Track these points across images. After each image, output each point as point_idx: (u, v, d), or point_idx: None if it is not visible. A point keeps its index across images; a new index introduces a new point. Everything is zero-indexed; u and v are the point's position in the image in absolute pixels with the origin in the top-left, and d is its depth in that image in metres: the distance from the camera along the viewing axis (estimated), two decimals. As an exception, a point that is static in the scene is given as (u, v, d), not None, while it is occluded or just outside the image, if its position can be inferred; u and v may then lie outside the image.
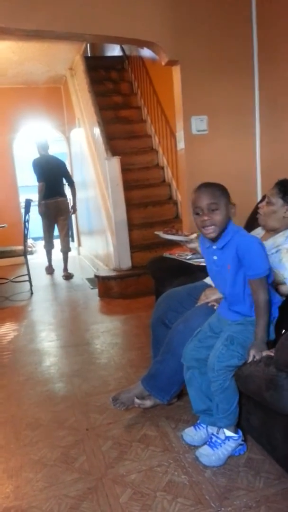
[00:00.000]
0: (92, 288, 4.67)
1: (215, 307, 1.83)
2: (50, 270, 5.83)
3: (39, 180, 5.35)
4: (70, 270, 5.51)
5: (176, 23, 3.27)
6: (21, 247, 4.88)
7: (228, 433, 1.63)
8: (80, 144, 6.10)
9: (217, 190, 1.56)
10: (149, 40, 3.27)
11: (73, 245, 6.87)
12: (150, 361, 2.11)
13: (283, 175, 1.95)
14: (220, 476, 1.55)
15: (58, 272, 5.65)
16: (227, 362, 1.57)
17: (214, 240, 1.60)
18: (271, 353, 1.49)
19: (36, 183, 5.41)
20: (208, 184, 1.58)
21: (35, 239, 8.15)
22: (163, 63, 3.41)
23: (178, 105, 3.45)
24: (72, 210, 5.72)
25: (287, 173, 2.00)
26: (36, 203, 5.43)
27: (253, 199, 3.20)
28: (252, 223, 2.28)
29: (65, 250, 5.54)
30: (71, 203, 5.69)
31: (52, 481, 1.60)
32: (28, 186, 6.35)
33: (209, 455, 1.61)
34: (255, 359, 1.52)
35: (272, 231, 1.94)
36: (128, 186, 4.77)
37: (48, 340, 3.21)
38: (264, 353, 1.52)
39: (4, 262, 5.67)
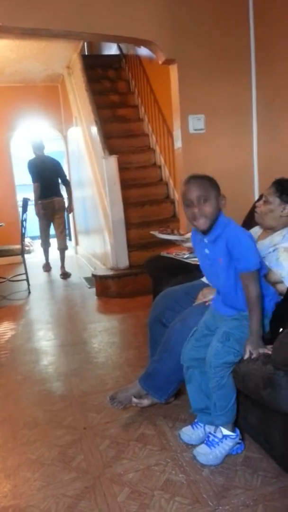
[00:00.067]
0: (89, 287, 4.66)
1: (212, 306, 1.84)
2: (47, 267, 5.85)
3: (34, 180, 5.36)
4: (67, 269, 5.50)
5: (174, 22, 3.27)
6: (18, 246, 4.87)
7: (226, 431, 1.63)
8: (77, 143, 6.10)
9: (207, 181, 1.56)
10: (146, 39, 3.27)
11: (70, 244, 6.87)
12: (148, 360, 2.10)
13: (280, 174, 1.95)
14: (217, 475, 1.55)
15: (56, 271, 5.65)
16: (223, 358, 1.57)
17: (205, 233, 1.60)
18: (268, 351, 1.50)
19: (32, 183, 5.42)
20: (197, 176, 1.57)
21: (33, 238, 8.14)
22: (160, 62, 3.41)
23: (175, 104, 3.44)
24: (68, 210, 5.73)
25: (284, 172, 2.00)
26: (33, 202, 5.43)
27: (250, 198, 3.21)
28: (249, 222, 2.28)
29: (62, 247, 5.55)
30: (67, 203, 5.70)
31: (49, 480, 1.60)
32: (26, 185, 6.33)
33: (206, 454, 1.61)
34: (252, 356, 1.52)
35: (269, 230, 1.94)
36: (126, 185, 4.76)
37: (45, 339, 3.21)
38: (261, 350, 1.52)
39: (1, 261, 5.66)
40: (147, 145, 5.62)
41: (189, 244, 2.17)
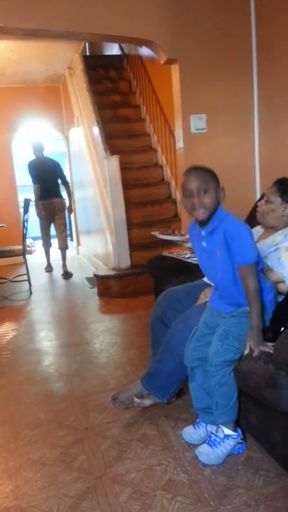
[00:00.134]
0: (91, 287, 4.66)
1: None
2: (49, 268, 5.87)
3: (34, 182, 5.39)
4: (69, 269, 5.51)
5: (175, 21, 3.27)
6: (20, 247, 4.88)
7: (227, 431, 1.63)
8: (79, 143, 6.10)
9: (207, 173, 1.57)
10: (148, 39, 3.27)
11: (72, 244, 6.87)
12: (149, 360, 2.11)
13: (281, 174, 1.95)
14: (219, 474, 1.55)
15: (57, 271, 5.65)
16: (223, 357, 1.57)
17: (202, 225, 1.60)
18: (270, 350, 1.49)
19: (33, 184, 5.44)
20: (197, 168, 1.58)
21: (34, 238, 8.15)
22: (161, 62, 3.40)
23: (177, 103, 3.44)
24: (68, 210, 5.74)
25: (286, 171, 2.00)
26: (34, 203, 5.45)
27: (252, 198, 3.21)
28: (251, 221, 2.28)
29: (63, 247, 5.56)
30: (67, 203, 5.71)
31: (51, 480, 1.60)
32: (27, 185, 6.34)
33: (208, 454, 1.61)
34: (254, 354, 1.52)
35: (270, 229, 1.94)
36: (127, 185, 4.76)
37: (47, 340, 3.21)
38: (262, 347, 1.52)
39: (3, 262, 5.68)
40: (148, 145, 5.62)
41: (190, 245, 2.17)
